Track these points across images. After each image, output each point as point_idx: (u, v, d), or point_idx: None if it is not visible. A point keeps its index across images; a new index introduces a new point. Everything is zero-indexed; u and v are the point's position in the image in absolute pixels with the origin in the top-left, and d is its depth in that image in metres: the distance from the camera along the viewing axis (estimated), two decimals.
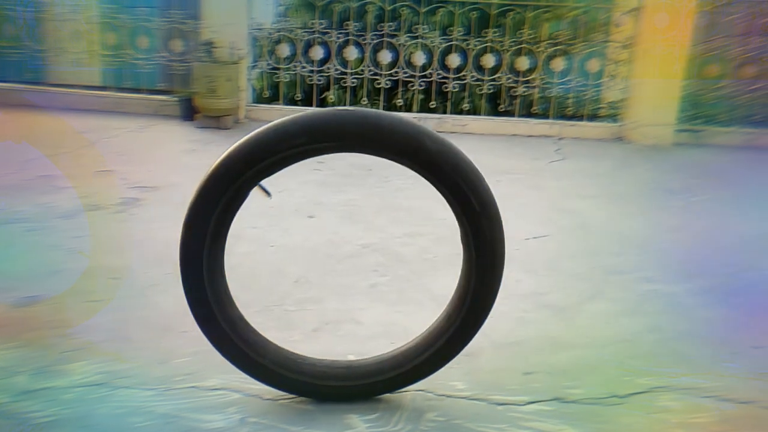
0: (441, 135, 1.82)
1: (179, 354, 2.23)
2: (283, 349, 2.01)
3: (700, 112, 6.17)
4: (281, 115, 6.84)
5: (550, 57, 6.22)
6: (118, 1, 6.38)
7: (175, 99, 6.15)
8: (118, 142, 5.28)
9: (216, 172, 1.82)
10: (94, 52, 6.54)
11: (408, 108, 6.37)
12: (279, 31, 6.47)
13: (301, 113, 1.82)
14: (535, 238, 3.51)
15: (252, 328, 2.00)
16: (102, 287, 2.73)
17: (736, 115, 6.09)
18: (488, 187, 1.85)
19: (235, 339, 1.93)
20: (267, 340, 2.01)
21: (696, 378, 2.22)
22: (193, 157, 5.03)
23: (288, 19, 6.60)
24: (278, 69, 6.39)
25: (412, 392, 2.05)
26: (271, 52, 6.40)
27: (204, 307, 1.91)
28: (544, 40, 6.19)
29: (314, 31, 6.30)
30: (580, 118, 6.34)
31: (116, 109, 6.20)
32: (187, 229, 1.89)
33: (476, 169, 1.83)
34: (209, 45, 5.84)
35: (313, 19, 6.31)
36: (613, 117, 6.38)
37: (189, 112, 5.99)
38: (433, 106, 6.30)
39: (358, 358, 2.07)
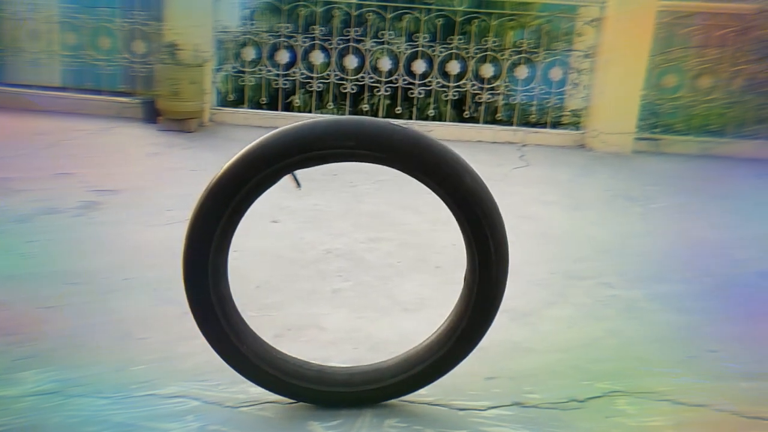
0: (479, 176, 1.84)
1: (137, 361, 2.19)
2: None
3: (658, 121, 6.32)
4: (246, 118, 6.76)
5: (514, 65, 6.30)
6: (79, 0, 6.26)
7: (138, 101, 6.05)
8: (78, 144, 5.17)
9: (247, 157, 1.78)
10: (53, 52, 6.41)
11: (374, 113, 6.38)
12: (244, 35, 6.43)
13: (352, 117, 1.82)
14: None
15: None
16: (58, 293, 2.66)
17: (693, 125, 6.25)
18: (506, 234, 1.89)
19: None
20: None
21: (653, 381, 2.26)
22: (156, 160, 4.95)
23: (254, 22, 6.56)
24: (244, 72, 6.35)
25: None
26: (237, 56, 6.35)
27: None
28: (508, 48, 6.27)
29: (280, 35, 6.27)
30: (544, 125, 6.44)
31: (76, 111, 6.05)
32: (200, 215, 1.82)
33: (502, 217, 1.87)
34: (172, 47, 5.76)
35: (279, 23, 6.28)
36: (575, 125, 6.50)
37: (152, 114, 5.90)
38: (399, 111, 6.32)
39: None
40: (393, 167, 1.83)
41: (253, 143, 1.80)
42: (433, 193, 1.89)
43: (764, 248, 3.71)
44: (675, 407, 2.11)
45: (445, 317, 2.03)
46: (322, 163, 1.80)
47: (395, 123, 1.83)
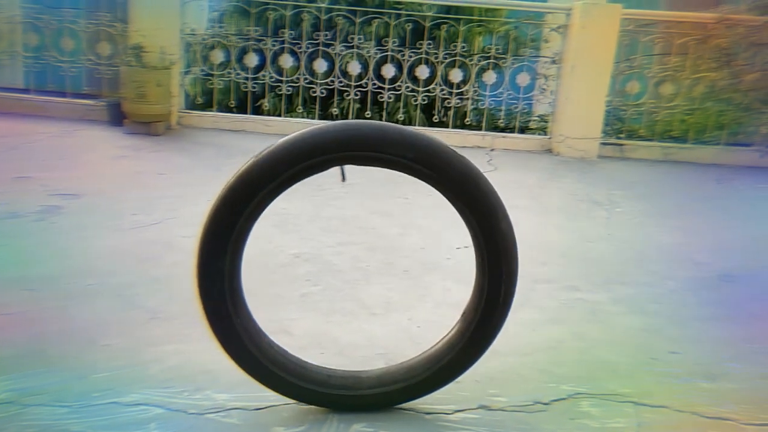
0: (511, 222, 1.89)
1: (99, 369, 2.15)
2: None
3: (623, 127, 6.44)
4: (215, 121, 6.72)
5: (483, 70, 6.36)
6: (42, 1, 6.15)
7: (103, 103, 5.96)
8: (40, 146, 5.07)
9: (308, 139, 1.79)
10: (15, 52, 6.28)
11: (344, 117, 6.38)
12: (213, 37, 6.38)
13: (414, 130, 1.83)
14: (465, 247, 3.56)
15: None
16: (17, 299, 2.60)
17: (656, 131, 6.38)
18: (517, 285, 1.96)
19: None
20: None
21: (616, 383, 2.29)
22: (121, 163, 4.88)
23: (222, 25, 6.52)
24: (212, 75, 6.30)
25: None
26: (205, 58, 6.30)
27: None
28: (476, 54, 6.33)
29: (249, 38, 6.24)
30: (512, 130, 6.51)
31: (39, 113, 5.95)
32: (236, 187, 1.83)
33: (518, 259, 1.95)
34: (138, 49, 5.69)
35: (248, 26, 6.25)
36: (542, 130, 6.59)
37: (117, 117, 5.82)
38: (369, 115, 6.33)
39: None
40: (436, 188, 1.86)
41: (317, 128, 1.80)
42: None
43: (725, 251, 3.80)
44: (637, 408, 2.14)
45: (431, 341, 2.07)
46: (368, 165, 1.81)
47: (452, 147, 1.84)
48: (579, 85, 6.04)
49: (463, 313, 2.00)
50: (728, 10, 5.95)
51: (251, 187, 1.82)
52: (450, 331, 2.02)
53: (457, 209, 1.88)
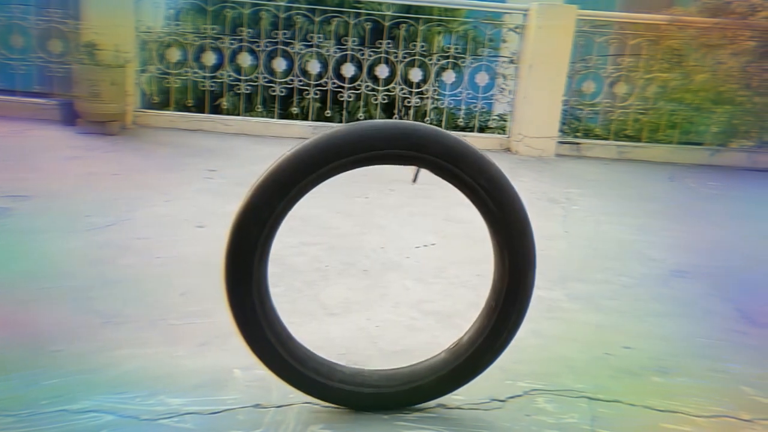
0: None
1: (49, 375, 2.09)
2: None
3: (579, 126, 6.56)
4: (171, 121, 6.60)
5: (442, 69, 6.40)
6: None
7: (55, 102, 5.81)
8: None
9: (383, 129, 1.79)
10: None
11: (304, 116, 6.34)
12: (169, 35, 6.27)
13: (486, 156, 1.87)
14: (424, 246, 3.58)
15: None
16: None
17: (611, 130, 6.52)
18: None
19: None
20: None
21: (571, 379, 2.33)
22: (75, 164, 4.75)
23: (179, 22, 6.41)
24: (169, 74, 6.19)
25: (298, 405, 2.03)
26: (161, 56, 6.19)
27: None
28: (435, 53, 6.37)
29: (206, 36, 6.15)
30: (471, 129, 6.57)
31: None
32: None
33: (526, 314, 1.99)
34: (91, 47, 5.56)
35: (205, 24, 6.16)
36: (501, 129, 6.66)
37: (71, 116, 5.67)
38: (329, 114, 6.31)
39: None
40: (488, 223, 1.95)
41: (407, 122, 1.82)
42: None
43: (678, 248, 3.89)
44: (591, 403, 2.18)
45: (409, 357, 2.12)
46: (438, 175, 1.87)
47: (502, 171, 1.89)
48: (536, 84, 6.12)
49: (462, 338, 2.04)
50: (679, 12, 6.12)
51: (316, 157, 1.78)
52: (440, 354, 2.05)
53: (496, 249, 1.94)
